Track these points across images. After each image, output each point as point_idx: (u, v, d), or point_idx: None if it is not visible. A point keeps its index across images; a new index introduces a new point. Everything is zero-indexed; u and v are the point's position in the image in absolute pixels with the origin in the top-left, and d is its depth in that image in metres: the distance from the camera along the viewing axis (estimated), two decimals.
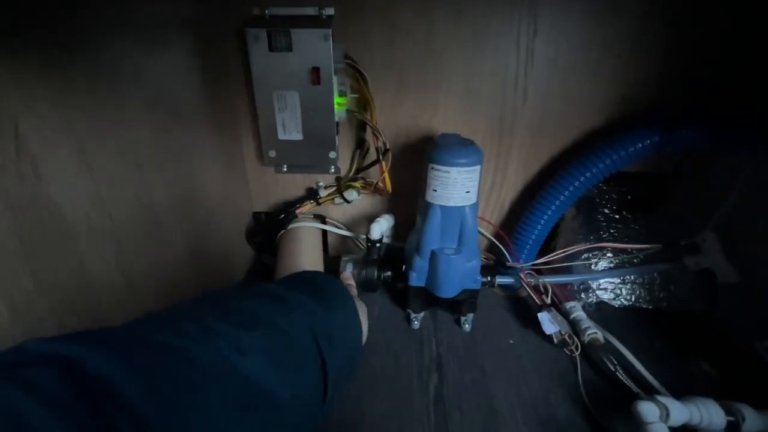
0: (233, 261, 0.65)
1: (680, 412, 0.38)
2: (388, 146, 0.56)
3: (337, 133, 0.59)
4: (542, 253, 0.63)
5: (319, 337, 0.27)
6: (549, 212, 0.59)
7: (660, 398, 0.39)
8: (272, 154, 0.60)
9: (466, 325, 0.56)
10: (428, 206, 0.51)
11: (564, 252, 0.58)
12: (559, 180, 0.58)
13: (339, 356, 0.29)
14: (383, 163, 0.57)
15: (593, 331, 0.51)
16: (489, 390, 0.46)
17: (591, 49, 0.54)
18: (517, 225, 0.62)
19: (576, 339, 0.51)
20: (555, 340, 0.52)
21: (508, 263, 0.60)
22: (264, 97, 0.56)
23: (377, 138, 0.56)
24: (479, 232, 0.64)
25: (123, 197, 0.38)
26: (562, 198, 0.58)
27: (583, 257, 0.61)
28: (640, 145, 0.52)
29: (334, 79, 0.54)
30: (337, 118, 0.57)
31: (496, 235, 0.65)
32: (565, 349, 0.51)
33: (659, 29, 0.52)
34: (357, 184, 0.62)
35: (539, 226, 0.60)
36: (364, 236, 0.60)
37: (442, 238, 0.52)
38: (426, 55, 0.56)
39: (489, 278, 0.59)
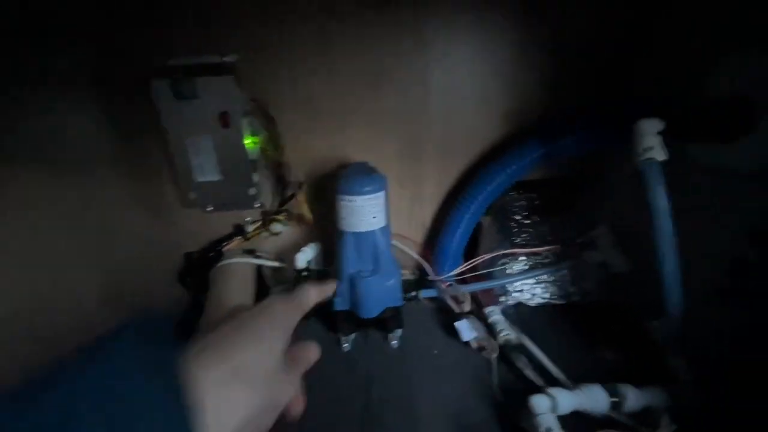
0: (165, 303, 0.65)
1: (568, 400, 0.42)
2: (301, 180, 0.59)
3: (255, 170, 0.61)
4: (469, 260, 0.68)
5: None
6: (462, 225, 0.64)
7: (551, 390, 0.43)
8: (192, 196, 0.61)
9: (394, 342, 0.58)
10: (341, 233, 0.54)
11: (474, 262, 0.62)
12: (465, 195, 0.63)
13: None
14: (299, 196, 0.59)
15: (507, 333, 0.55)
16: (413, 401, 0.49)
17: (481, 75, 0.60)
18: (437, 239, 0.66)
19: (493, 342, 0.55)
20: (473, 346, 0.56)
21: (429, 277, 0.64)
22: (177, 143, 0.57)
23: (290, 173, 0.59)
24: (402, 250, 0.68)
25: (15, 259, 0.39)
26: (471, 210, 0.63)
27: (500, 262, 0.66)
28: (528, 159, 0.58)
29: (243, 121, 0.56)
30: (252, 157, 0.60)
31: (423, 250, 0.69)
32: (483, 353, 0.55)
33: (536, 54, 0.59)
34: (280, 217, 0.64)
35: (455, 238, 0.64)
36: None
37: (359, 261, 0.55)
38: (331, 91, 0.59)
39: (414, 293, 0.62)
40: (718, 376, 0.44)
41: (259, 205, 0.65)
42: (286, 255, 0.70)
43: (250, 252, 0.68)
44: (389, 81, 0.59)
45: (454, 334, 0.59)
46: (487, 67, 0.59)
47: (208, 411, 0.21)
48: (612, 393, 0.44)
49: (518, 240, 0.67)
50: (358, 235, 0.53)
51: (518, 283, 0.65)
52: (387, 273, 0.55)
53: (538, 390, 0.48)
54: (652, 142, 0.38)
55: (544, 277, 0.66)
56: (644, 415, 0.43)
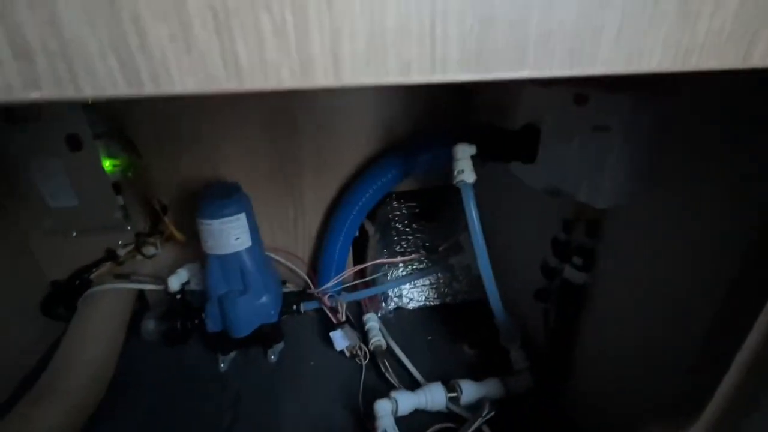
0: (25, 337, 0.60)
1: (408, 401, 0.46)
2: (164, 202, 0.58)
3: (119, 192, 0.59)
4: (361, 270, 0.71)
5: None
6: (341, 236, 0.66)
7: (393, 393, 0.47)
8: (48, 223, 0.58)
9: (272, 357, 0.60)
10: (206, 256, 0.54)
11: (347, 273, 0.65)
12: (341, 209, 0.65)
13: None
14: (166, 218, 0.58)
15: (378, 339, 0.59)
16: (279, 416, 0.51)
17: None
18: (319, 253, 0.68)
19: (365, 348, 0.58)
20: (347, 354, 0.59)
21: (309, 290, 0.66)
22: (23, 170, 0.54)
23: (153, 197, 0.58)
24: (282, 263, 0.69)
25: None
26: (348, 222, 0.65)
27: (381, 270, 0.70)
28: (394, 172, 0.62)
29: (97, 143, 0.54)
30: (114, 179, 0.57)
31: (311, 263, 0.71)
32: (356, 360, 0.58)
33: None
34: (152, 239, 0.62)
35: (336, 250, 0.67)
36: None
37: (227, 282, 0.55)
38: (198, 110, 0.59)
39: (295, 306, 0.64)
40: (544, 364, 0.51)
41: (130, 228, 0.63)
42: (169, 275, 0.69)
43: (124, 276, 0.65)
44: (259, 97, 0.60)
45: (332, 344, 0.62)
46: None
47: None
48: (451, 389, 0.49)
49: (398, 248, 0.71)
50: (222, 258, 0.53)
51: (397, 289, 0.69)
52: (257, 292, 0.56)
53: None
54: (463, 166, 0.43)
55: (421, 281, 0.70)
56: (478, 405, 0.48)
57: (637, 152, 0.33)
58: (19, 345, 0.58)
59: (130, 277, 0.65)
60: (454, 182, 0.44)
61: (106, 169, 0.56)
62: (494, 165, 0.49)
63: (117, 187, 0.59)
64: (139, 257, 0.64)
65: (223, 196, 0.53)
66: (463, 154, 0.43)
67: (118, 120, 0.56)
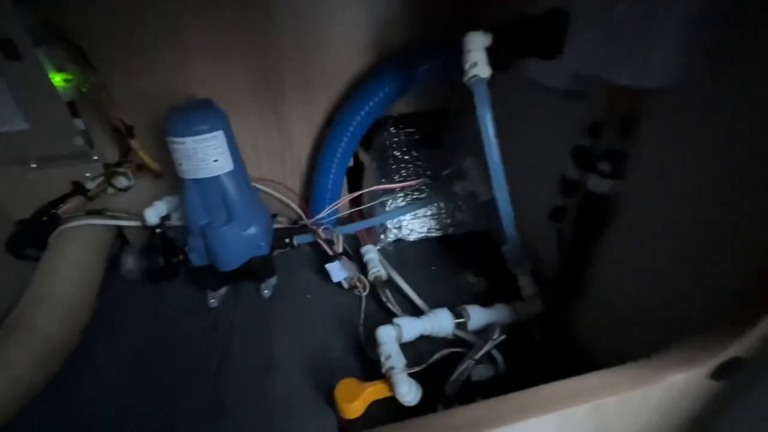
0: None
1: (413, 327, 0.43)
2: (127, 122, 0.51)
3: (77, 115, 0.51)
4: (356, 203, 0.65)
5: None
6: (333, 164, 0.60)
7: (397, 319, 0.44)
8: None
9: (266, 291, 0.56)
10: (182, 182, 0.48)
11: (340, 202, 0.60)
12: (333, 132, 0.58)
13: None
14: (134, 142, 0.51)
15: (377, 270, 0.55)
16: (272, 351, 0.48)
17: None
18: (311, 183, 0.62)
19: (364, 280, 0.55)
20: (346, 286, 0.55)
21: (302, 222, 0.61)
22: None
23: (114, 116, 0.50)
24: (271, 196, 0.63)
25: None
26: (342, 148, 0.59)
27: (379, 200, 0.64)
28: (385, 91, 0.55)
29: (39, 52, 0.46)
30: (68, 98, 0.50)
31: (303, 194, 0.65)
32: (355, 291, 0.55)
33: None
34: (123, 169, 0.56)
35: (329, 179, 0.61)
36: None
37: (209, 211, 0.50)
38: (160, 16, 0.50)
39: (288, 240, 0.59)
40: (555, 288, 0.48)
41: (97, 158, 0.56)
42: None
43: (97, 212, 0.59)
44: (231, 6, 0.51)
45: (329, 277, 0.58)
46: None
47: None
48: (457, 315, 0.46)
49: (397, 177, 0.66)
50: (201, 183, 0.47)
51: (396, 221, 0.65)
52: (243, 222, 0.51)
53: None
54: (475, 58, 0.36)
55: (422, 212, 0.66)
56: (487, 331, 0.46)
57: (701, 19, 0.27)
58: None
59: (103, 212, 0.60)
60: (465, 79, 0.37)
61: (56, 84, 0.48)
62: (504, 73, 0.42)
63: (74, 109, 0.51)
64: (111, 191, 0.58)
65: (193, 111, 0.46)
66: (476, 45, 0.36)
67: (60, 21, 0.47)
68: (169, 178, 0.60)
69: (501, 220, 0.43)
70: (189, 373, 0.45)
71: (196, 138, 0.44)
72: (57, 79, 0.48)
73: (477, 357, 0.39)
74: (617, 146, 0.35)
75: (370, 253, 0.58)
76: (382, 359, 0.41)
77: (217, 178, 0.48)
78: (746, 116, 0.26)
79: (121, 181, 0.56)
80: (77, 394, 0.44)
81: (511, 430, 0.23)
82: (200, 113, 0.45)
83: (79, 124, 0.52)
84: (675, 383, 0.24)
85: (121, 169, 0.56)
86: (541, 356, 0.45)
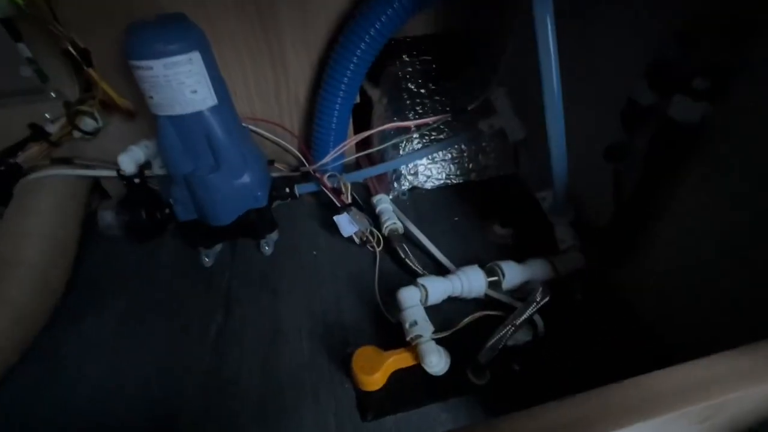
0: None
1: (439, 288, 0.37)
2: (81, 44, 0.41)
3: (20, 38, 0.41)
4: (364, 146, 0.57)
5: None
6: (338, 100, 0.51)
7: (421, 279, 0.37)
8: None
9: (266, 248, 0.50)
10: (156, 121, 0.39)
11: (348, 144, 0.51)
12: (337, 61, 0.48)
13: None
14: (91, 71, 0.42)
15: (392, 222, 0.48)
16: (276, 314, 0.42)
17: None
18: (312, 123, 0.53)
19: (378, 234, 0.48)
20: (357, 241, 0.49)
21: (303, 168, 0.53)
22: None
23: (61, 34, 0.40)
24: (265, 137, 0.55)
25: None
26: (347, 80, 0.49)
27: (392, 142, 0.56)
28: (395, 5, 0.44)
29: None
30: (3, 14, 0.39)
31: (303, 137, 0.57)
32: (368, 246, 0.48)
33: None
34: (86, 107, 0.47)
35: (333, 118, 0.52)
36: None
37: (192, 157, 0.41)
38: None
39: (288, 189, 0.52)
40: (604, 241, 0.41)
41: (54, 94, 0.47)
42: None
43: (65, 160, 0.51)
44: None
45: (337, 230, 0.51)
46: None
47: None
48: (489, 272, 0.39)
49: (410, 114, 0.56)
50: (179, 121, 0.38)
51: (412, 165, 0.57)
52: (234, 168, 0.43)
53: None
54: None
55: (441, 155, 0.57)
56: (522, 290, 0.40)
57: None
58: None
59: (72, 161, 0.52)
60: None
61: None
62: None
63: (13, 29, 0.41)
64: (77, 135, 0.49)
65: (163, 26, 0.36)
66: None
67: None
68: (145, 119, 0.51)
69: (551, 155, 0.35)
70: (185, 342, 0.40)
71: (165, 61, 0.35)
72: None
73: (519, 322, 0.34)
74: (721, 58, 0.27)
75: (383, 203, 0.51)
76: (407, 326, 0.35)
77: (198, 114, 0.39)
78: None
79: (87, 123, 0.47)
80: (58, 372, 0.39)
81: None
82: (169, 29, 0.35)
83: (24, 50, 0.42)
84: None
85: (84, 107, 0.46)
86: (582, 318, 0.40)
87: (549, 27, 0.28)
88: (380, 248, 0.47)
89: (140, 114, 0.51)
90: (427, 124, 0.54)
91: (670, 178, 0.32)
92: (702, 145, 0.30)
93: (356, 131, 0.58)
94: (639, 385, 0.18)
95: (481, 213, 0.53)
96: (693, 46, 0.29)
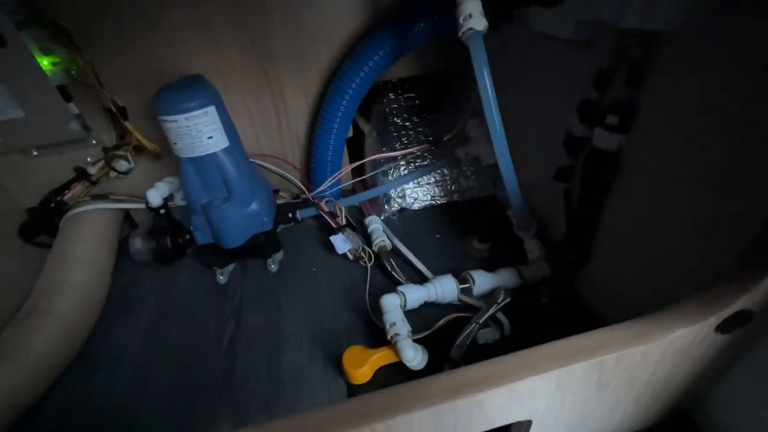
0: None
1: (417, 294, 0.43)
2: (120, 103, 0.50)
3: (70, 99, 0.51)
4: (358, 173, 0.65)
5: None
6: (332, 134, 0.59)
7: (401, 287, 0.44)
8: None
9: (273, 266, 0.57)
10: (179, 161, 0.48)
11: (342, 172, 0.59)
12: (330, 102, 0.57)
13: None
14: (128, 124, 0.51)
15: (381, 240, 0.55)
16: (281, 323, 0.49)
17: None
18: (310, 156, 0.61)
19: (369, 250, 0.55)
20: (351, 257, 0.55)
21: (304, 196, 0.60)
22: None
23: (105, 96, 0.49)
24: (271, 171, 0.63)
25: None
26: (339, 117, 0.57)
27: (381, 170, 0.63)
28: (381, 53, 0.52)
29: (23, 35, 0.45)
30: (58, 82, 0.49)
31: (303, 169, 0.65)
32: (360, 262, 0.55)
33: None
34: (121, 152, 0.56)
35: (329, 150, 0.60)
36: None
37: (208, 190, 0.49)
38: None
39: (291, 215, 0.59)
40: (561, 251, 0.47)
41: (95, 142, 0.56)
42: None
43: (102, 197, 0.60)
44: None
45: (333, 249, 0.58)
46: None
47: None
48: (462, 280, 0.45)
49: (397, 145, 0.64)
50: (197, 161, 0.47)
51: (400, 189, 0.64)
52: (243, 198, 0.51)
53: None
54: (470, 9, 0.33)
55: (426, 179, 0.65)
56: (492, 295, 0.45)
57: None
58: (3, 276, 0.55)
59: (108, 197, 0.60)
60: (460, 34, 0.35)
61: (44, 68, 0.47)
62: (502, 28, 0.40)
63: (65, 93, 0.50)
64: (113, 175, 0.58)
65: (182, 88, 0.45)
66: None
67: (41, 2, 0.46)
68: (169, 159, 0.60)
69: (503, 180, 0.41)
70: (203, 348, 0.47)
71: (187, 115, 0.43)
72: (44, 62, 0.47)
73: (482, 320, 0.39)
74: (626, 94, 0.33)
75: (374, 224, 0.58)
76: (387, 326, 0.41)
77: (213, 155, 0.47)
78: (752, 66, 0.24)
79: (122, 164, 0.56)
80: (97, 374, 0.46)
81: (513, 388, 0.23)
82: (189, 90, 0.44)
83: (73, 108, 0.52)
84: (679, 337, 0.23)
85: (119, 152, 0.55)
86: (548, 318, 0.45)
87: (486, 80, 0.35)
88: (371, 263, 0.54)
89: (164, 156, 0.60)
90: (412, 153, 0.62)
91: (602, 194, 0.39)
92: (621, 167, 0.36)
93: (351, 160, 0.66)
94: (536, 351, 0.24)
95: (462, 230, 0.59)
96: (605, 88, 0.35)
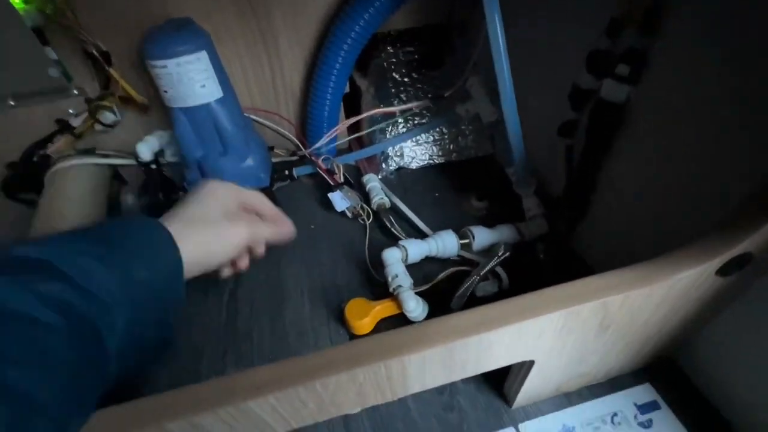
0: None
1: (418, 249, 0.44)
2: (103, 47, 0.47)
3: (47, 42, 0.47)
4: (355, 131, 0.63)
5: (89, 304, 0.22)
6: (329, 89, 0.57)
7: (402, 241, 0.44)
8: None
9: None
10: (170, 111, 0.45)
11: (338, 129, 0.57)
12: (326, 54, 0.54)
13: (130, 328, 0.24)
14: (112, 70, 0.48)
15: (380, 197, 0.55)
16: (281, 279, 0.49)
17: None
18: (306, 112, 0.59)
19: (367, 208, 0.55)
20: (349, 215, 0.55)
21: (300, 153, 0.59)
22: None
23: (86, 40, 0.46)
24: (265, 126, 0.61)
25: None
26: (336, 71, 0.55)
27: (378, 128, 0.62)
28: (379, 2, 0.49)
29: None
30: (32, 23, 0.45)
31: (299, 125, 0.63)
32: (359, 220, 0.55)
33: None
34: (106, 102, 0.53)
35: (325, 106, 0.58)
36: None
37: (203, 144, 0.48)
38: None
39: (287, 172, 0.58)
40: (560, 207, 0.47)
41: (77, 92, 0.53)
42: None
43: (88, 151, 0.57)
44: None
45: (331, 207, 0.58)
46: None
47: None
48: (462, 236, 0.46)
49: (396, 101, 0.62)
50: (190, 112, 0.45)
51: (398, 148, 0.63)
52: (239, 153, 0.49)
53: None
54: None
55: (424, 138, 0.63)
56: (490, 251, 0.46)
57: None
58: None
59: (95, 152, 0.58)
60: None
61: (16, 7, 0.43)
62: None
63: (42, 36, 0.47)
64: (99, 128, 0.55)
65: (175, 30, 0.42)
66: None
67: None
68: (158, 113, 0.57)
69: (508, 137, 0.41)
70: (203, 304, 0.47)
71: (178, 60, 0.41)
72: (16, 0, 0.43)
73: (482, 273, 0.40)
74: (639, 43, 0.32)
75: (372, 182, 0.57)
76: (389, 279, 0.41)
77: (206, 106, 0.45)
78: None
79: (108, 116, 0.53)
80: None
81: (518, 328, 0.23)
82: (180, 33, 0.41)
83: (51, 53, 0.48)
84: (682, 279, 0.24)
85: (104, 103, 0.52)
86: (544, 272, 0.46)
87: (498, 25, 0.34)
88: (370, 221, 0.54)
89: (153, 109, 0.57)
90: (410, 110, 0.60)
91: (605, 147, 0.39)
92: (625, 120, 0.36)
93: (347, 118, 0.65)
94: (542, 294, 0.24)
95: (460, 189, 0.59)
96: (616, 36, 0.35)
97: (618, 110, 0.36)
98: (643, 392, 0.36)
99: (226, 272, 0.37)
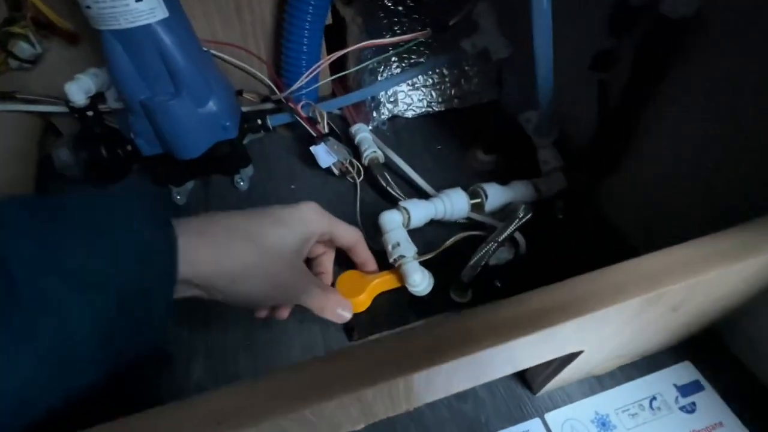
0: None
1: (422, 211, 0.37)
2: None
3: None
4: (341, 78, 0.53)
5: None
6: (307, 18, 0.46)
7: (403, 203, 0.37)
8: None
9: (242, 183, 0.47)
10: (100, 38, 0.35)
11: (320, 66, 0.48)
12: None
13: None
14: None
15: (372, 151, 0.46)
16: None
17: None
18: (281, 42, 0.49)
19: (357, 164, 0.46)
20: (336, 172, 0.47)
21: (274, 97, 0.49)
22: None
23: None
24: (230, 63, 0.50)
25: None
26: None
27: (369, 68, 0.52)
28: None
29: None
30: None
31: (272, 65, 0.52)
32: (348, 177, 0.47)
33: None
34: (18, 28, 0.41)
35: (305, 37, 0.48)
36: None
37: (148, 81, 0.37)
38: None
39: (260, 122, 0.49)
40: (587, 159, 0.40)
41: None
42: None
43: (5, 95, 0.46)
44: None
45: (314, 163, 0.49)
46: None
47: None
48: (473, 194, 0.39)
49: (388, 34, 0.52)
50: (125, 36, 0.34)
51: (391, 92, 0.53)
52: (197, 93, 0.39)
53: None
54: None
55: (422, 81, 0.54)
56: (504, 211, 0.39)
57: None
58: None
59: (15, 97, 0.46)
60: None
61: None
62: None
63: None
64: (15, 64, 0.43)
65: None
66: None
67: None
68: (91, 44, 0.46)
69: (537, 72, 0.33)
70: None
71: None
72: None
73: (500, 239, 0.34)
74: None
75: (362, 132, 0.49)
76: (389, 248, 0.34)
77: (146, 28, 0.34)
78: None
79: (23, 48, 0.42)
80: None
81: (589, 318, 0.17)
82: None
83: None
84: None
85: (15, 29, 0.41)
86: (564, 235, 0.40)
87: None
88: (361, 179, 0.46)
89: (85, 39, 0.45)
90: (406, 43, 0.50)
91: (656, 86, 0.31)
92: (688, 46, 0.28)
93: (329, 54, 0.54)
94: (614, 271, 0.18)
95: (464, 140, 0.51)
96: None
97: (683, 26, 0.28)
98: (684, 371, 0.32)
99: (263, 314, 0.32)
